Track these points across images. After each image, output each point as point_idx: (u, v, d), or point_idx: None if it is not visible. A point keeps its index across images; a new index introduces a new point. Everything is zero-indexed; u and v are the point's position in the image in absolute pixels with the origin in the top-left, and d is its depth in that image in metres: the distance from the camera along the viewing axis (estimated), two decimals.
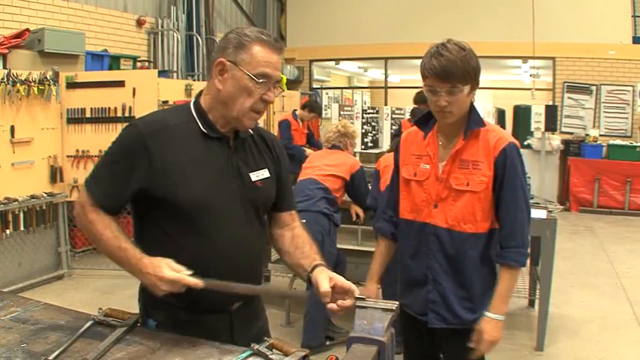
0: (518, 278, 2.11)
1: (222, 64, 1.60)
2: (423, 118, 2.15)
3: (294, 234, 1.81)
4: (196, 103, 1.69)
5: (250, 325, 1.76)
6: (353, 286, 1.51)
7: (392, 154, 4.01)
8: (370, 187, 4.03)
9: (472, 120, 2.03)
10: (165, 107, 5.29)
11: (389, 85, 11.90)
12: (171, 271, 1.46)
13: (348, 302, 1.50)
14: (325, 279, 1.54)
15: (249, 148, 1.74)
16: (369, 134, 9.79)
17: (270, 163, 1.78)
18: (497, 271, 2.11)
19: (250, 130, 1.74)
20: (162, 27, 7.91)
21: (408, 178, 2.14)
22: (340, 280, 1.53)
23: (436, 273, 2.08)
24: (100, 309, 1.60)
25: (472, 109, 2.04)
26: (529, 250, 2.13)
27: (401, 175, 2.18)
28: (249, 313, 1.77)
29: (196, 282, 1.46)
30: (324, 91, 12.18)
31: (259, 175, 1.72)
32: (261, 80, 1.59)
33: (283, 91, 1.70)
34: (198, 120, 1.65)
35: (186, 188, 1.58)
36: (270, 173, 1.75)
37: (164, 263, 1.47)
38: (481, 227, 2.03)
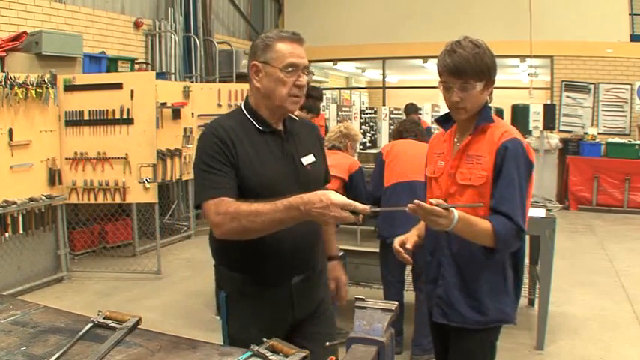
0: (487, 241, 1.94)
1: (255, 66, 1.90)
2: (444, 117, 2.19)
3: None
4: (247, 104, 1.98)
5: (309, 298, 2.02)
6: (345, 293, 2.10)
7: (396, 141, 4.01)
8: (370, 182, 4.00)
9: (481, 116, 2.04)
10: (157, 107, 5.25)
11: (387, 85, 11.91)
12: (338, 195, 1.64)
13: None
14: (332, 281, 2.18)
15: (298, 136, 2.03)
16: (368, 134, 9.80)
17: (313, 147, 2.07)
18: (508, 275, 2.07)
19: (294, 116, 2.04)
20: (159, 29, 7.90)
21: (429, 176, 2.19)
22: (342, 286, 2.20)
23: (445, 269, 2.08)
24: (100, 311, 1.60)
25: (483, 107, 2.06)
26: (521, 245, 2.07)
27: (426, 174, 2.23)
28: (308, 286, 2.00)
29: (364, 207, 1.64)
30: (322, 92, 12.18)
31: (308, 159, 2.01)
32: (289, 69, 1.86)
33: (313, 74, 1.82)
34: (251, 119, 1.94)
35: (256, 176, 1.86)
36: (315, 158, 2.03)
37: (326, 193, 1.65)
38: None
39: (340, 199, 1.63)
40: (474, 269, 2.03)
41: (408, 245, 2.12)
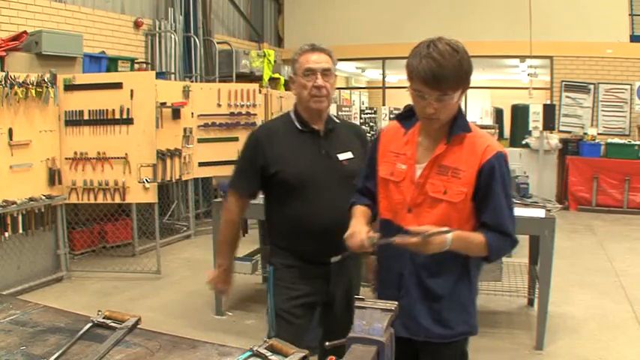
0: (478, 253, 1.90)
1: (291, 78, 2.37)
2: (407, 113, 2.01)
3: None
4: (295, 109, 2.38)
5: (343, 278, 2.38)
6: None
7: None
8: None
9: (457, 124, 1.88)
10: (156, 107, 5.23)
11: (387, 85, 11.91)
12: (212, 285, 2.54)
13: None
14: None
15: (337, 136, 2.38)
16: (368, 134, 9.80)
17: (353, 146, 2.39)
18: (473, 285, 1.99)
19: (337, 120, 2.46)
20: (159, 29, 7.90)
21: (385, 177, 1.99)
22: None
23: (407, 281, 1.95)
24: (99, 311, 1.60)
25: (459, 113, 1.89)
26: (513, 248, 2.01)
27: (379, 173, 2.03)
28: (343, 268, 2.35)
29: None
30: None
31: (345, 156, 2.35)
32: (307, 74, 2.26)
33: (336, 76, 2.14)
34: (295, 121, 2.35)
35: (290, 168, 2.27)
36: (354, 155, 2.36)
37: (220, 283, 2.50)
38: None
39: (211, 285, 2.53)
40: (438, 283, 1.92)
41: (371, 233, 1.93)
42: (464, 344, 2.04)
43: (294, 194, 2.28)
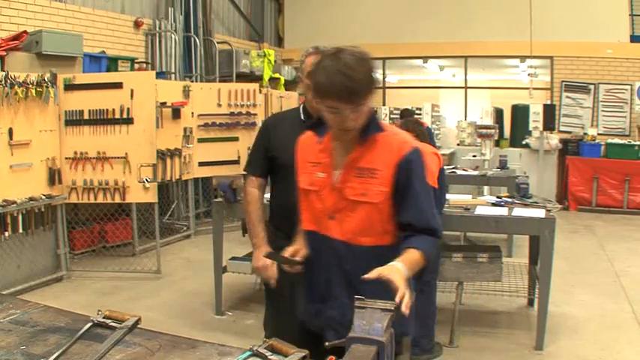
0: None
1: (300, 78, 2.69)
2: (320, 121, 1.96)
3: None
4: (304, 104, 2.65)
5: None
6: None
7: None
8: None
9: (370, 126, 1.86)
10: (156, 107, 5.24)
11: (387, 85, 11.90)
12: (257, 264, 2.54)
13: None
14: None
15: None
16: None
17: None
18: (411, 287, 1.87)
19: None
20: (159, 28, 7.90)
21: (305, 188, 1.98)
22: None
23: (335, 288, 1.91)
24: (99, 311, 1.60)
25: (371, 115, 1.86)
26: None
27: (299, 185, 2.02)
28: None
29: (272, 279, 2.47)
30: None
31: None
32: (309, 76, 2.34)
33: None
34: (302, 114, 2.64)
35: (284, 155, 2.46)
36: None
37: (263, 261, 2.47)
38: (383, 239, 1.87)
39: (256, 265, 2.55)
40: (370, 287, 1.76)
41: (298, 257, 1.95)
42: (399, 347, 1.92)
43: (285, 179, 2.51)
